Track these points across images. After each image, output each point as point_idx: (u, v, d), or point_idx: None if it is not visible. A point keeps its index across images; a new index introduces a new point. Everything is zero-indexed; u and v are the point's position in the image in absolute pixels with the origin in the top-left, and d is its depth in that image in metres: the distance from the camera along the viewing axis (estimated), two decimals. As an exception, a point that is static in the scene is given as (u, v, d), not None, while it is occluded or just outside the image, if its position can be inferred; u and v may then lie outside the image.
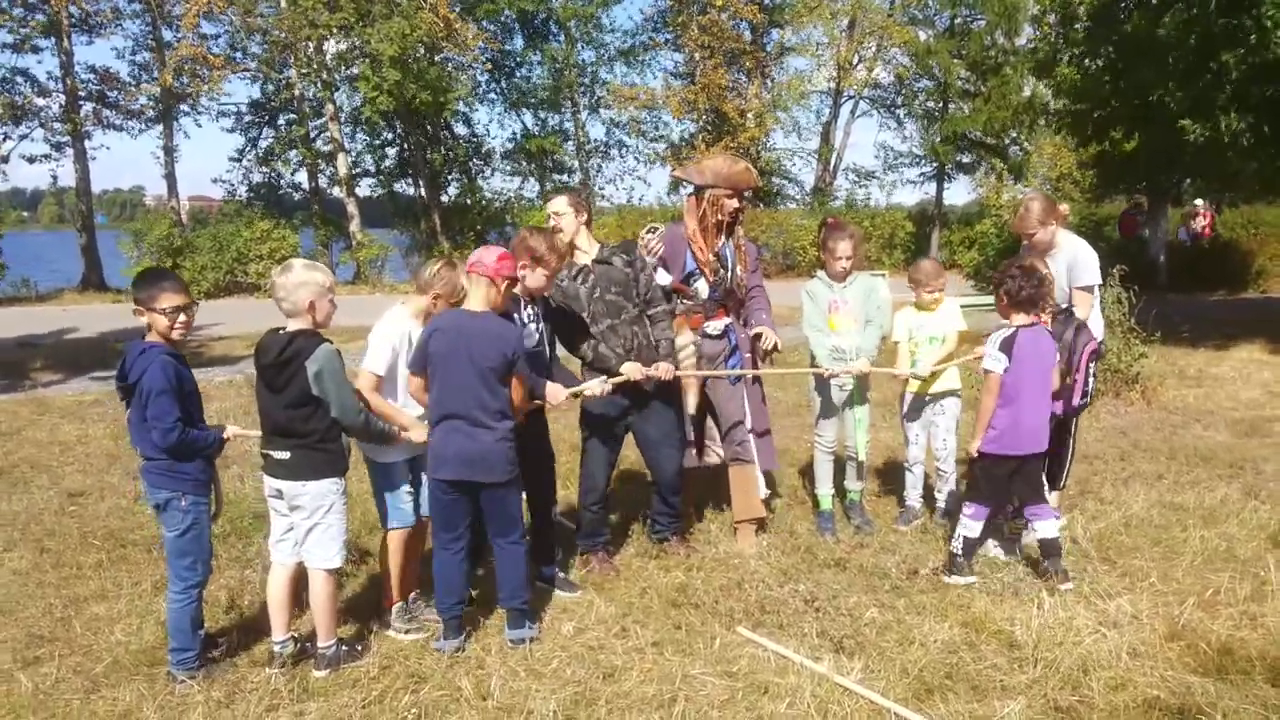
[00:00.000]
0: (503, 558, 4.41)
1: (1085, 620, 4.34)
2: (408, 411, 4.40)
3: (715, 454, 5.80)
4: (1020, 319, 4.88)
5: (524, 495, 5.00)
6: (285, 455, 4.01)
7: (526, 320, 4.75)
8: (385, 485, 4.46)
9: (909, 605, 4.62)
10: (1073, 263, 5.46)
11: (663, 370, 5.03)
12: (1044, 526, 4.92)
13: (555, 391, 4.64)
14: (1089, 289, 5.50)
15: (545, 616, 4.63)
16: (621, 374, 4.93)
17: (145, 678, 4.04)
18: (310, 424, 3.98)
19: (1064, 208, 5.70)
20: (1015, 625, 4.33)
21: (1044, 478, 5.22)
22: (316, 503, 4.03)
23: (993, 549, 5.26)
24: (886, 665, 4.04)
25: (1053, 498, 5.72)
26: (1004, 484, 4.98)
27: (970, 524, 4.96)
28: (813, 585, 4.85)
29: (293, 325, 3.99)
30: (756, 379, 5.69)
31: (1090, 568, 5.06)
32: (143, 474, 4.05)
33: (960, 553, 4.95)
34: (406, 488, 4.47)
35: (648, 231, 5.56)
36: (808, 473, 6.27)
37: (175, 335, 4.00)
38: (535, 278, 4.68)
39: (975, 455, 4.99)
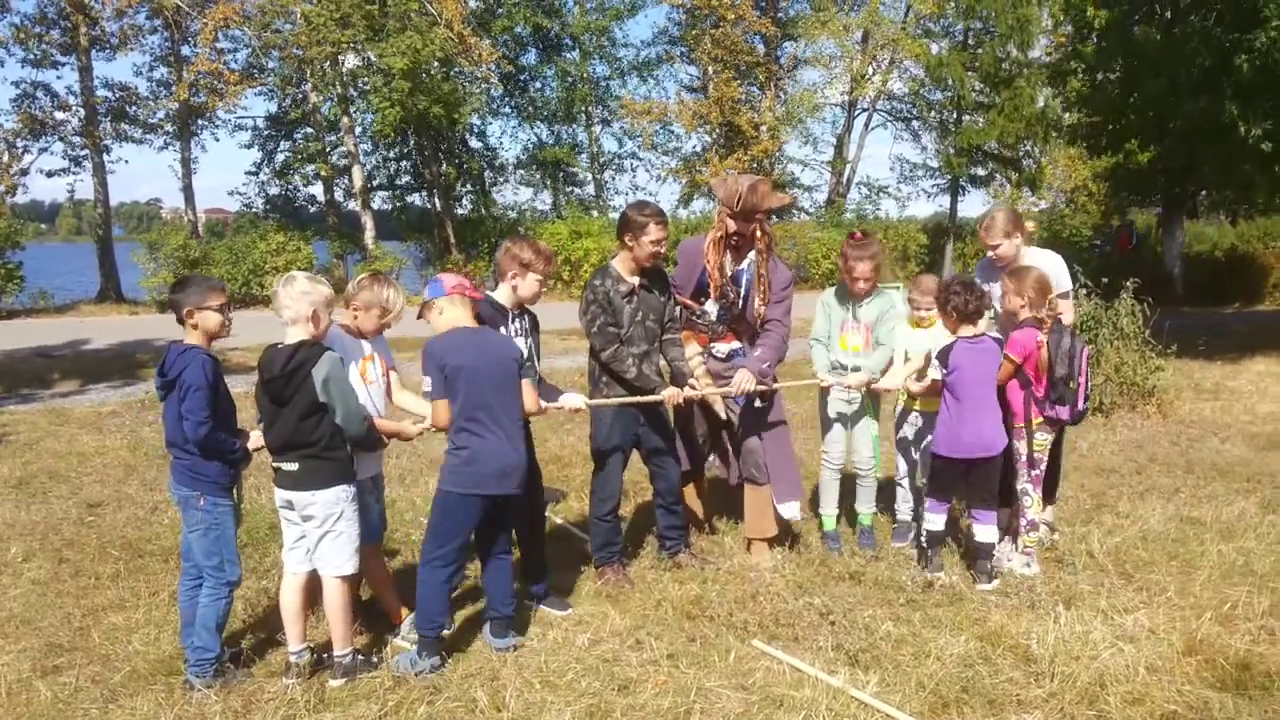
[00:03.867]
0: (494, 567, 4.47)
1: (1102, 634, 4.32)
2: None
3: (726, 470, 5.79)
4: (966, 330, 5.09)
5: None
6: (294, 466, 4.04)
7: (514, 334, 4.77)
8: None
9: (924, 619, 4.61)
10: (1053, 271, 5.50)
11: (670, 393, 5.08)
12: (982, 531, 5.15)
13: (573, 399, 4.80)
14: (1067, 294, 5.63)
15: (559, 628, 4.63)
16: (663, 396, 5.06)
17: (163, 687, 4.06)
18: (316, 433, 4.01)
19: (1030, 225, 5.72)
20: (1032, 639, 4.31)
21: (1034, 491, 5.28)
22: (327, 511, 4.06)
23: (1007, 562, 5.25)
24: (902, 679, 4.03)
25: (1048, 512, 5.69)
26: (953, 484, 5.21)
27: (931, 517, 5.23)
28: (827, 598, 4.84)
29: (292, 337, 4.03)
30: (773, 406, 5.57)
31: (1107, 582, 5.03)
32: (171, 470, 4.15)
33: (927, 545, 5.22)
34: (372, 503, 4.54)
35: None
36: (818, 489, 6.20)
37: (225, 332, 4.16)
38: (527, 285, 4.75)
39: (930, 454, 5.30)
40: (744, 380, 5.20)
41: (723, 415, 5.50)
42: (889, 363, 5.57)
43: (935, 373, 5.10)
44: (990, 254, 5.61)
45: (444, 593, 4.32)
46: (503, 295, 4.78)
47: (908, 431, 5.83)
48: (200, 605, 4.11)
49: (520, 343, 4.79)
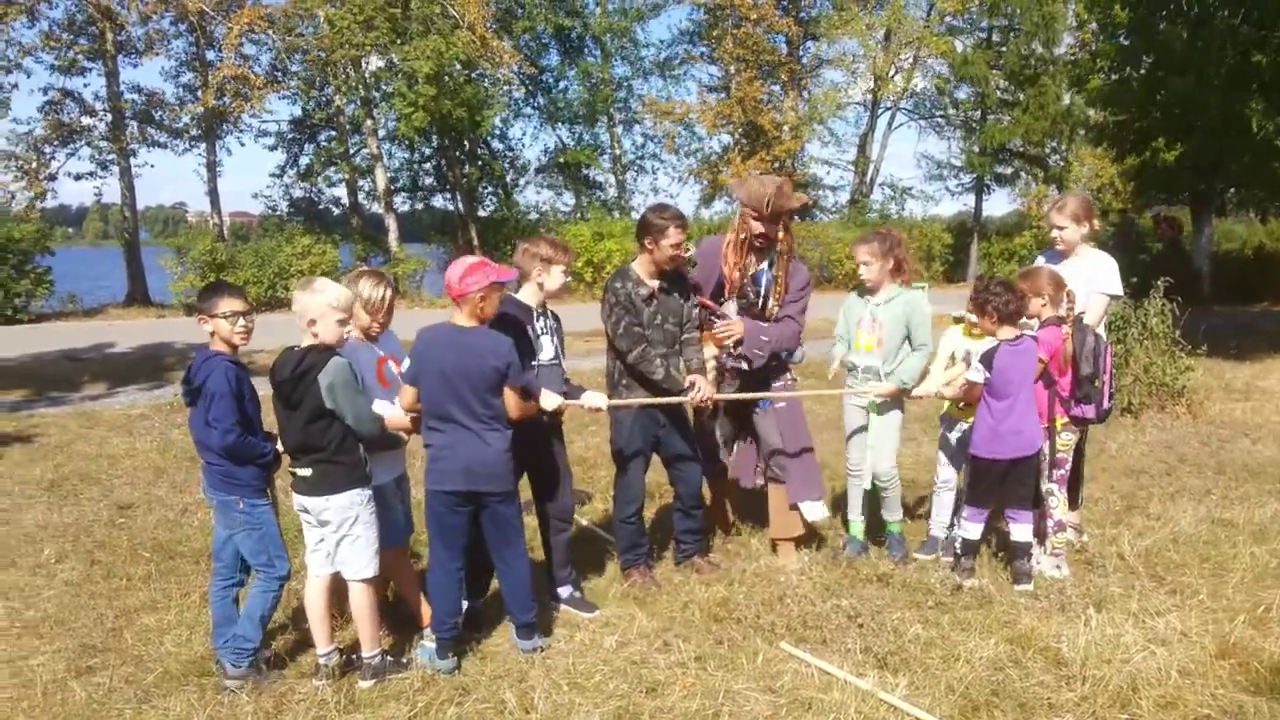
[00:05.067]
0: (507, 572, 4.43)
1: (1134, 637, 4.29)
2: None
3: (748, 476, 5.77)
4: (1006, 332, 5.03)
5: (533, 510, 5.04)
6: (308, 472, 4.07)
7: (540, 332, 4.78)
8: (379, 506, 4.47)
9: (953, 621, 4.59)
10: (1099, 270, 5.51)
11: (704, 393, 5.08)
12: (1019, 530, 5.12)
13: (549, 399, 4.62)
14: (1111, 297, 5.56)
15: (587, 630, 4.64)
16: (691, 398, 5.05)
17: (196, 688, 4.10)
18: (326, 437, 4.04)
19: (1096, 224, 5.68)
20: (1062, 642, 4.28)
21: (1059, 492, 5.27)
22: (343, 515, 4.09)
23: (1037, 565, 5.20)
24: (932, 682, 4.01)
25: (1074, 515, 5.64)
26: (994, 486, 5.13)
27: (968, 526, 5.18)
28: (855, 601, 4.82)
29: (307, 340, 4.06)
30: (794, 407, 5.58)
31: (1139, 584, 4.99)
32: (204, 474, 4.21)
33: (961, 553, 5.18)
34: (396, 504, 4.56)
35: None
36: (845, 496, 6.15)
37: (237, 340, 4.17)
38: (553, 278, 4.78)
39: (968, 459, 5.24)
40: (733, 332, 5.30)
41: (775, 434, 5.50)
42: (925, 367, 5.47)
43: (976, 376, 5.03)
44: (1054, 234, 5.61)
45: (450, 594, 4.31)
46: (528, 295, 4.78)
47: (951, 438, 5.72)
48: (250, 596, 4.17)
49: (548, 341, 4.81)
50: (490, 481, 4.24)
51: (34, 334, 18.19)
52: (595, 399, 4.92)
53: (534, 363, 4.70)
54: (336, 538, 4.11)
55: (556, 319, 4.99)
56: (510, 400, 4.29)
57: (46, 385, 12.26)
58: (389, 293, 4.53)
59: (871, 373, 5.41)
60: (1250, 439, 8.37)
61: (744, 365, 5.40)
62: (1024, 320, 5.16)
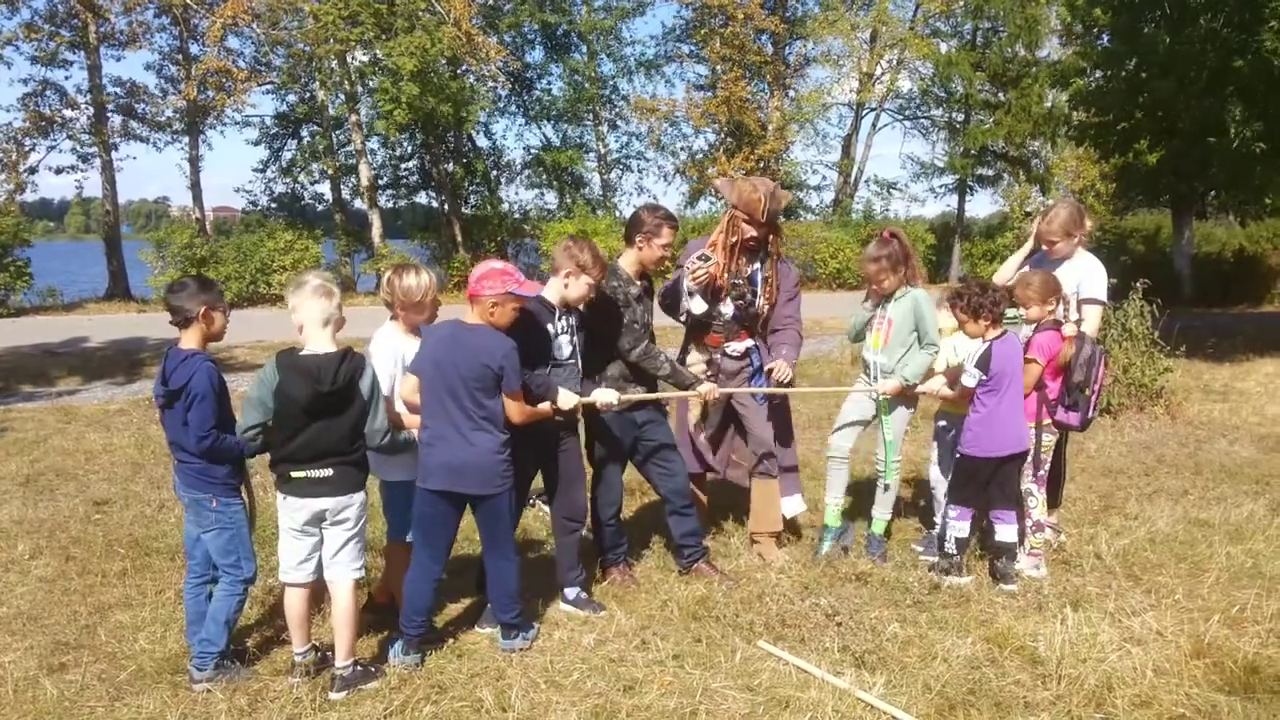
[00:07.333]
0: (493, 572, 4.41)
1: (1110, 637, 4.30)
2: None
3: (732, 469, 5.83)
4: (994, 332, 5.07)
5: (546, 507, 5.02)
6: (328, 473, 4.00)
7: (559, 331, 4.73)
8: (401, 501, 4.49)
9: (931, 620, 4.60)
10: (1085, 276, 5.47)
11: (707, 389, 5.16)
12: (1004, 531, 5.14)
13: (566, 398, 4.60)
14: (1098, 303, 5.51)
15: (565, 628, 4.63)
16: (700, 392, 5.15)
17: (169, 685, 4.07)
18: (355, 440, 4.03)
19: (1089, 225, 5.66)
20: (1039, 641, 4.30)
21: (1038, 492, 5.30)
22: (359, 513, 4.08)
23: (1017, 564, 5.22)
24: (909, 681, 4.01)
25: (1053, 516, 5.66)
26: (981, 487, 5.16)
27: (957, 525, 5.17)
28: (834, 599, 4.82)
29: (321, 341, 4.01)
30: (784, 408, 5.71)
31: (1115, 584, 5.02)
32: (177, 472, 4.17)
33: (955, 553, 5.16)
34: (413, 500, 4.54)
35: (699, 258, 5.25)
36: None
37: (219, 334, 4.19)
38: (578, 286, 4.69)
39: (957, 457, 5.26)
40: (783, 371, 5.38)
41: (767, 430, 5.57)
42: (931, 365, 5.46)
43: (970, 381, 5.03)
44: (1045, 247, 5.60)
45: (422, 593, 4.29)
46: (551, 292, 4.71)
47: (943, 438, 5.69)
48: (215, 598, 4.13)
49: (566, 341, 4.76)
50: (473, 483, 4.21)
51: (11, 328, 18.04)
52: (606, 395, 4.85)
53: (550, 362, 4.66)
54: (347, 536, 4.07)
55: (581, 317, 4.88)
56: (511, 406, 4.26)
57: (23, 379, 12.15)
58: (430, 279, 4.55)
59: (879, 369, 5.45)
60: (1227, 440, 8.43)
61: (747, 365, 5.57)
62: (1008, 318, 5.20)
